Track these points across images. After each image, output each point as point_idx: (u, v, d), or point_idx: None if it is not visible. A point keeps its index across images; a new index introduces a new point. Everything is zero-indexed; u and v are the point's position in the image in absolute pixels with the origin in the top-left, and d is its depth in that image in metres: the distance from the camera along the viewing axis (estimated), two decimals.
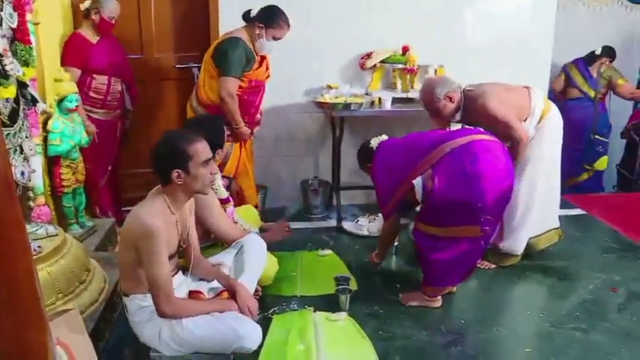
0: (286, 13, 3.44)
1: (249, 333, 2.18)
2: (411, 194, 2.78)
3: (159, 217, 2.08)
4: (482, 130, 2.85)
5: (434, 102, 3.13)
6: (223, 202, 2.82)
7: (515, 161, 3.03)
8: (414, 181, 2.74)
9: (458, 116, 3.19)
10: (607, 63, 5.07)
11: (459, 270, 2.85)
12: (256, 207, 3.65)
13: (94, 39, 3.58)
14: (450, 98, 3.11)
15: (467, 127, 3.20)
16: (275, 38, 3.43)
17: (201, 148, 2.15)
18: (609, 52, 5.09)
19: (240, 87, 3.46)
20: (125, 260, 2.18)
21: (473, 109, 3.09)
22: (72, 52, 3.49)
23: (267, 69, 3.64)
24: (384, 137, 3.11)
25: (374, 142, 3.08)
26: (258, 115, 3.71)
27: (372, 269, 3.29)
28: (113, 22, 3.60)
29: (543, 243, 3.36)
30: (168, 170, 2.10)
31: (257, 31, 3.41)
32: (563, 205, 3.56)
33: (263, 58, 3.57)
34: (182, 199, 2.21)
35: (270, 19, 3.40)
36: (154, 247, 2.04)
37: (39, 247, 2.33)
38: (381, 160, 2.99)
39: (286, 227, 3.07)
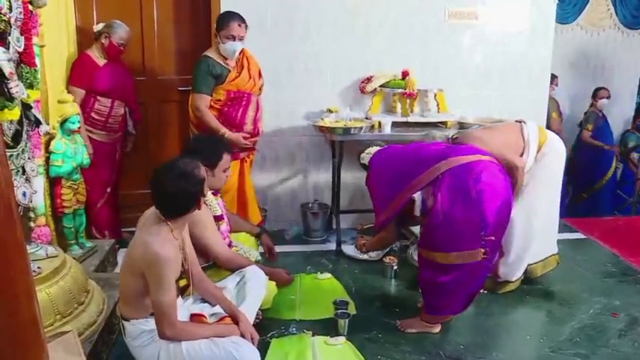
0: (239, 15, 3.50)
1: (247, 357, 2.17)
2: (410, 208, 2.77)
3: (169, 245, 2.10)
4: (482, 150, 2.85)
5: None
6: (217, 219, 2.82)
7: (514, 188, 3.04)
8: (415, 196, 2.72)
9: None
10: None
11: (461, 299, 2.82)
12: (260, 225, 3.67)
13: (101, 61, 3.64)
14: None
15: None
16: (232, 37, 3.47)
17: (204, 172, 2.25)
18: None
19: (218, 100, 3.54)
20: (130, 287, 2.18)
21: None
22: (78, 73, 3.55)
23: (254, 79, 3.64)
24: (374, 149, 3.11)
25: (363, 159, 3.10)
26: (250, 127, 3.66)
27: (370, 293, 3.28)
28: (122, 48, 3.67)
29: (541, 270, 3.36)
30: (194, 204, 2.16)
31: (216, 41, 3.54)
32: (564, 228, 3.57)
33: (242, 66, 3.61)
34: (184, 223, 2.24)
35: (219, 24, 3.51)
36: (164, 275, 2.05)
37: (38, 267, 2.33)
38: (377, 167, 2.98)
39: (290, 280, 3.17)
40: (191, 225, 2.51)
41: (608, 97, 5.88)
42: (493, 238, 2.65)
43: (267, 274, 2.75)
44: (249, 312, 2.43)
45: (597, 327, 2.96)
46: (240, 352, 2.16)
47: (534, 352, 2.76)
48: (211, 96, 3.51)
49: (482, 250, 2.63)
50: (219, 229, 2.80)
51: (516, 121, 3.24)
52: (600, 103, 5.87)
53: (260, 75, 3.73)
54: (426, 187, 2.72)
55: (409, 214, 2.83)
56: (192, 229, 2.58)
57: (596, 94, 5.91)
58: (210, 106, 3.53)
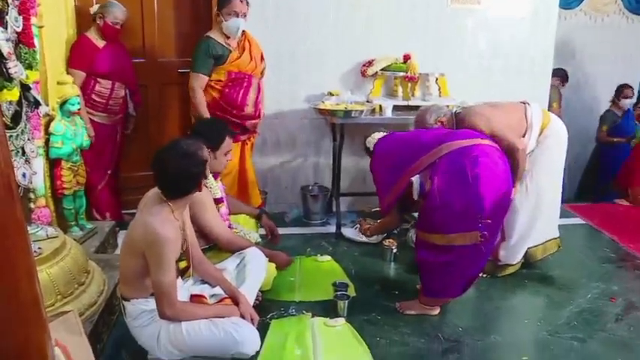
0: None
1: (247, 339, 2.20)
2: (408, 191, 2.78)
3: (169, 225, 2.10)
4: (481, 134, 2.85)
5: (425, 127, 3.17)
6: (217, 201, 2.83)
7: (516, 172, 3.04)
8: (413, 179, 2.74)
9: None
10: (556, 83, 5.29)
11: (460, 282, 2.83)
12: (260, 207, 3.68)
13: (100, 43, 3.62)
14: (441, 122, 3.14)
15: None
16: (234, 14, 3.44)
17: (207, 154, 2.28)
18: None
19: (219, 80, 3.53)
20: (130, 267, 2.19)
21: (463, 128, 3.10)
22: (78, 55, 3.52)
23: (255, 61, 3.63)
24: (380, 135, 3.10)
25: (369, 143, 3.09)
26: (251, 109, 3.65)
27: (370, 276, 3.29)
28: (118, 27, 3.63)
29: (541, 253, 3.37)
30: (196, 184, 2.16)
31: (218, 20, 3.50)
32: (564, 214, 3.57)
33: (244, 48, 3.59)
34: (185, 204, 2.25)
35: (220, 1, 3.48)
36: (165, 256, 2.06)
37: (39, 248, 2.34)
38: (380, 156, 2.99)
39: (290, 262, 3.11)
40: (192, 207, 2.53)
41: (632, 97, 5.59)
42: (490, 221, 2.64)
43: (266, 257, 2.77)
44: (248, 293, 2.46)
45: (595, 311, 2.98)
46: (239, 333, 2.18)
47: (532, 336, 2.78)
48: (209, 77, 3.50)
49: (479, 233, 2.63)
50: (218, 211, 2.82)
51: (520, 102, 3.23)
52: (623, 103, 5.57)
53: (262, 58, 3.72)
54: (424, 171, 2.73)
55: (409, 198, 2.83)
56: (193, 211, 2.60)
57: (619, 92, 5.59)
58: (211, 87, 3.52)
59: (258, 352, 2.37)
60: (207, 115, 3.48)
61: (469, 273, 2.82)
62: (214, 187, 2.82)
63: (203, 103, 3.50)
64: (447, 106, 3.30)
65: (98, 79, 3.61)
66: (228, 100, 3.55)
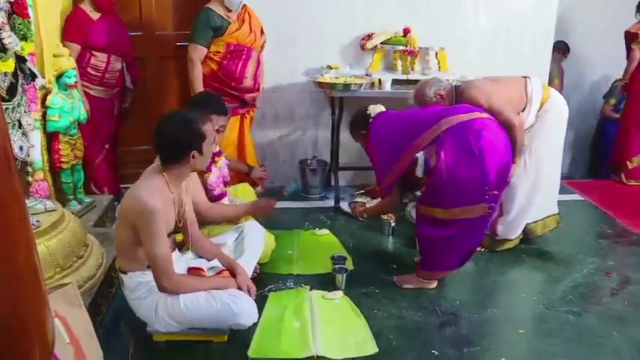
0: None
1: (245, 310, 2.21)
2: (411, 169, 2.76)
3: (158, 195, 2.10)
4: (479, 108, 2.84)
5: (425, 102, 3.14)
6: (215, 155, 2.81)
7: (515, 147, 3.03)
8: (417, 156, 2.71)
9: None
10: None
11: (457, 255, 2.84)
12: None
13: (94, 15, 3.54)
14: (441, 96, 3.12)
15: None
16: None
17: (209, 129, 2.22)
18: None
19: (218, 52, 3.51)
20: (123, 238, 2.20)
21: (462, 101, 3.09)
22: (72, 28, 3.46)
23: (255, 34, 3.60)
24: (382, 107, 3.07)
25: (372, 109, 3.05)
26: (250, 82, 3.64)
27: (368, 249, 3.31)
28: None
29: (541, 229, 3.38)
30: (185, 152, 2.14)
31: None
32: (562, 190, 3.57)
33: (243, 21, 3.56)
34: (183, 177, 2.24)
35: None
36: (154, 226, 2.06)
37: (37, 221, 2.34)
38: (378, 132, 2.95)
39: (273, 203, 2.99)
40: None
41: None
42: (496, 192, 2.68)
43: (252, 215, 2.77)
44: (246, 265, 2.47)
45: (590, 286, 3.01)
46: (237, 304, 2.20)
47: (529, 309, 2.81)
48: (208, 49, 3.47)
49: (487, 205, 2.66)
50: (218, 164, 2.81)
51: (521, 77, 3.21)
52: None
53: (262, 32, 3.69)
54: (428, 147, 2.71)
55: (411, 176, 2.81)
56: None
57: None
58: (210, 59, 3.50)
59: (256, 325, 2.39)
60: (201, 88, 3.47)
61: (469, 246, 2.83)
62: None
63: (199, 77, 3.47)
64: (447, 80, 3.28)
65: (93, 52, 3.56)
66: (226, 72, 3.53)
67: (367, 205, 3.54)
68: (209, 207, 2.69)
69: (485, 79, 3.19)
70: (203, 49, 3.47)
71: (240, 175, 3.52)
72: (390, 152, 2.85)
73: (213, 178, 2.80)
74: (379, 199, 3.48)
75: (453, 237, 2.72)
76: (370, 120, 3.01)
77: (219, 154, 2.87)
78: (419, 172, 2.72)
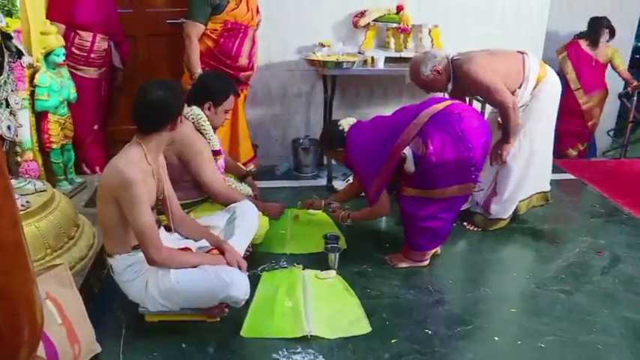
0: None
1: (236, 281, 2.20)
2: (402, 167, 2.76)
3: (136, 165, 2.08)
4: (446, 97, 2.88)
5: (422, 80, 3.12)
6: (215, 153, 2.82)
7: (509, 128, 3.03)
8: (405, 151, 2.71)
9: (450, 85, 3.15)
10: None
11: (444, 233, 2.90)
12: (253, 160, 3.67)
13: None
14: (438, 71, 3.08)
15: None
16: None
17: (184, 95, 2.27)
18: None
19: (215, 30, 3.46)
20: (106, 217, 2.16)
21: (460, 75, 3.06)
22: (56, 6, 3.34)
23: (252, 12, 3.56)
24: (353, 120, 3.03)
25: (343, 123, 2.99)
26: (245, 61, 3.61)
27: (360, 229, 3.31)
28: None
29: (525, 207, 3.38)
30: (169, 117, 2.14)
31: None
32: (554, 169, 3.57)
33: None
34: (161, 148, 2.24)
35: None
36: (136, 196, 2.03)
37: (27, 202, 2.31)
38: (356, 141, 2.92)
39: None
40: (191, 158, 2.61)
41: None
42: (479, 173, 2.76)
43: (260, 210, 2.77)
44: (238, 245, 2.44)
45: (582, 265, 3.02)
46: (229, 275, 2.19)
47: (520, 288, 2.82)
48: (205, 26, 3.42)
49: (473, 184, 2.75)
50: (216, 162, 2.81)
51: (518, 52, 3.18)
52: None
53: (258, 10, 3.65)
54: (414, 140, 2.71)
55: (402, 172, 2.79)
56: (190, 162, 2.61)
57: None
58: (207, 36, 3.45)
59: (248, 304, 2.40)
60: (198, 66, 3.42)
61: (451, 223, 2.91)
62: (213, 140, 2.80)
63: (196, 53, 3.43)
64: (442, 54, 3.18)
65: (78, 31, 3.46)
66: (223, 50, 3.49)
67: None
68: (226, 193, 2.76)
69: (483, 52, 3.14)
70: (201, 27, 3.42)
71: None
72: (373, 157, 2.82)
73: None
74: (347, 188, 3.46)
75: (441, 215, 2.78)
76: (345, 134, 2.97)
77: (218, 152, 2.85)
78: (409, 167, 2.71)
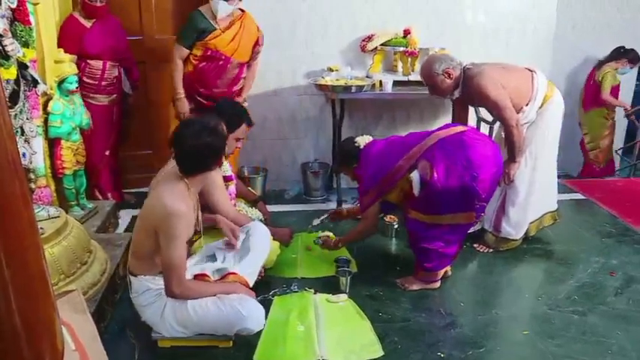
0: None
1: (252, 314, 2.21)
2: (407, 187, 2.77)
3: (183, 201, 2.11)
4: (461, 123, 2.90)
5: (432, 77, 3.13)
6: (227, 179, 2.85)
7: (514, 146, 3.04)
8: (411, 175, 2.73)
9: (457, 93, 3.17)
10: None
11: (451, 253, 2.88)
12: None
13: (87, 23, 3.51)
14: (449, 74, 3.09)
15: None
16: None
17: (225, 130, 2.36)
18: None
19: (195, 55, 3.50)
20: (142, 245, 2.20)
21: (469, 86, 3.09)
22: (66, 37, 3.40)
23: (239, 43, 3.52)
24: (369, 138, 3.07)
25: (360, 141, 3.03)
26: (221, 91, 3.56)
27: (371, 252, 3.30)
28: (97, 4, 3.47)
29: (535, 228, 3.39)
30: (215, 158, 2.19)
31: None
32: (564, 189, 3.57)
33: (229, 26, 3.49)
34: (202, 182, 2.28)
35: None
36: (176, 230, 2.06)
37: (41, 228, 2.33)
38: (368, 155, 2.96)
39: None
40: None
41: None
42: (485, 204, 2.77)
43: (271, 233, 2.79)
44: (252, 266, 2.48)
45: (595, 285, 3.00)
46: (245, 308, 2.20)
47: (533, 310, 2.80)
48: (190, 50, 3.47)
49: (474, 214, 2.76)
50: (227, 189, 2.84)
51: (527, 69, 3.21)
52: None
53: (257, 43, 3.63)
54: (423, 164, 2.73)
55: (407, 194, 2.80)
56: (203, 189, 2.63)
57: None
58: (189, 60, 3.50)
59: (261, 329, 2.39)
60: (179, 88, 3.49)
61: (459, 245, 2.91)
62: (225, 166, 2.84)
63: (179, 75, 3.49)
64: (458, 61, 3.18)
65: (88, 60, 3.53)
66: (199, 76, 3.52)
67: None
68: (235, 218, 2.77)
69: (496, 66, 3.16)
70: (185, 50, 3.48)
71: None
72: (378, 169, 2.87)
73: None
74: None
75: (446, 238, 2.79)
76: (359, 150, 3.00)
77: (230, 178, 2.89)
78: (415, 190, 2.72)
